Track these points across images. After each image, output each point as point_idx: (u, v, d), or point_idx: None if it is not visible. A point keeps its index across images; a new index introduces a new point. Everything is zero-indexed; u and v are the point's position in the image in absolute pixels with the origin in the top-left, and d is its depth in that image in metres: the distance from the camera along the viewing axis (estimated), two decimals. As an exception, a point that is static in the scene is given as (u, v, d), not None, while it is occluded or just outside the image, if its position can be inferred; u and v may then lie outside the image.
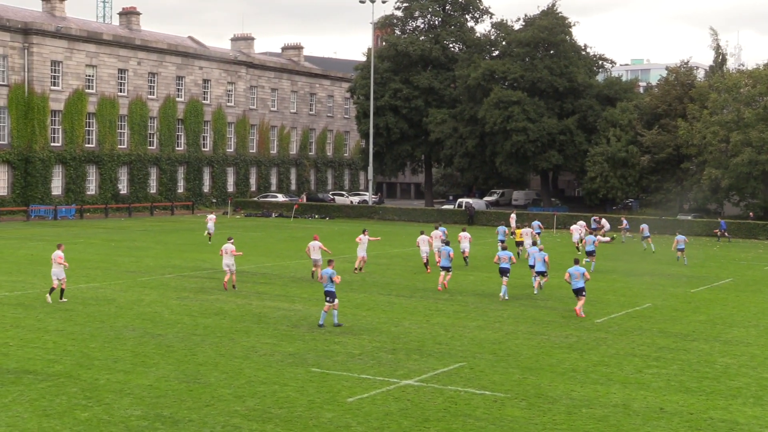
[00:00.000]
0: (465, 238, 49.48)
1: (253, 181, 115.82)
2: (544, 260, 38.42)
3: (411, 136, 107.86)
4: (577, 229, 59.95)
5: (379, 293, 38.55)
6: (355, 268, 45.92)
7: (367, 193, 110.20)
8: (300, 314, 32.25)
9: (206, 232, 62.51)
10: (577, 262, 33.79)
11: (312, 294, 37.56)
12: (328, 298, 28.94)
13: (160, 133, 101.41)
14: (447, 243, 42.32)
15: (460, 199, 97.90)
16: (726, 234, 72.49)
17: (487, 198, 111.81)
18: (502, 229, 55.56)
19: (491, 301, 36.97)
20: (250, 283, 40.01)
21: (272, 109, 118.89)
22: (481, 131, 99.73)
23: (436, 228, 50.65)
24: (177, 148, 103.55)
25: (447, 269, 39.25)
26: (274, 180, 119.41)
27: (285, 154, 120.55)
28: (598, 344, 28.26)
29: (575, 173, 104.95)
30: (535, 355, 26.38)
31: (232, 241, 39.52)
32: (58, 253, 34.60)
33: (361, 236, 46.59)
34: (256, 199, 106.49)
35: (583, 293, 32.93)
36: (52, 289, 34.83)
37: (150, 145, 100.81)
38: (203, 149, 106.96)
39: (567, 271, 33.14)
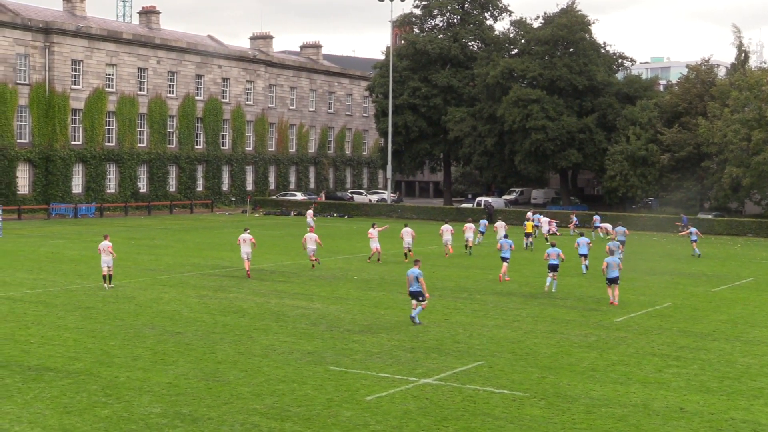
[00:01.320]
0: (470, 229, 52.84)
1: (272, 179, 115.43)
2: (559, 255, 39.01)
3: (429, 135, 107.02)
4: (546, 221, 64.10)
5: (398, 291, 38.10)
6: (369, 258, 48.63)
7: (385, 192, 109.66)
8: (318, 312, 32.04)
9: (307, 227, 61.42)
10: (612, 252, 35.30)
11: (331, 292, 37.22)
12: (419, 298, 29.16)
13: (179, 131, 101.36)
14: (506, 236, 43.96)
15: (478, 198, 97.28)
16: (687, 228, 67.33)
17: (506, 197, 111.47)
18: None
19: (510, 300, 36.56)
20: (269, 282, 39.84)
21: (291, 107, 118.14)
22: (500, 129, 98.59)
23: (446, 222, 54.30)
24: (196, 147, 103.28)
25: (505, 260, 41.38)
26: (293, 178, 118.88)
27: (304, 152, 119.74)
28: (618, 343, 27.88)
29: (594, 172, 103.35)
30: (554, 354, 26.06)
31: (248, 231, 41.49)
32: (106, 243, 36.66)
33: (371, 230, 49.15)
34: (275, 197, 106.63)
35: (618, 282, 34.29)
36: (104, 276, 36.81)
37: (169, 144, 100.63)
38: (222, 147, 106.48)
39: (605, 261, 34.45)
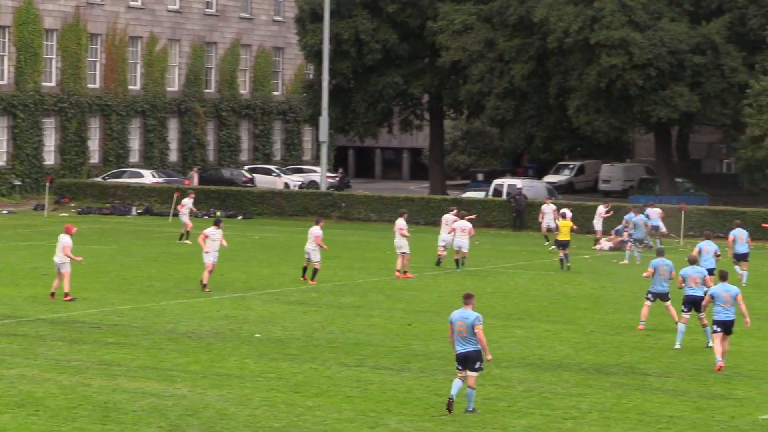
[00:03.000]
0: (462, 231, 47.08)
1: (94, 144, 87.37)
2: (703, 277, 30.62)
3: (404, 58, 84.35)
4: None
5: (340, 362, 27.77)
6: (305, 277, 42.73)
7: (318, 170, 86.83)
8: (183, 405, 22.83)
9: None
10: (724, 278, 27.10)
11: (209, 364, 26.81)
12: (475, 365, 22.56)
13: None
14: (662, 252, 33.29)
15: (498, 181, 79.32)
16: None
17: (550, 178, 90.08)
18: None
19: (554, 377, 26.41)
20: (89, 345, 29.33)
21: (133, 3, 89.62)
22: (540, 48, 78.30)
23: (450, 212, 50.33)
24: None
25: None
26: (135, 144, 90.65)
27: (157, 92, 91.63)
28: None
29: (723, 129, 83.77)
30: None
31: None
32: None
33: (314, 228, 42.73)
34: (100, 179, 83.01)
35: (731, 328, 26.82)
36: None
37: None
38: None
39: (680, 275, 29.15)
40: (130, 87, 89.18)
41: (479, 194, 77.00)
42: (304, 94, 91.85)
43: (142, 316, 34.15)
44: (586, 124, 75.61)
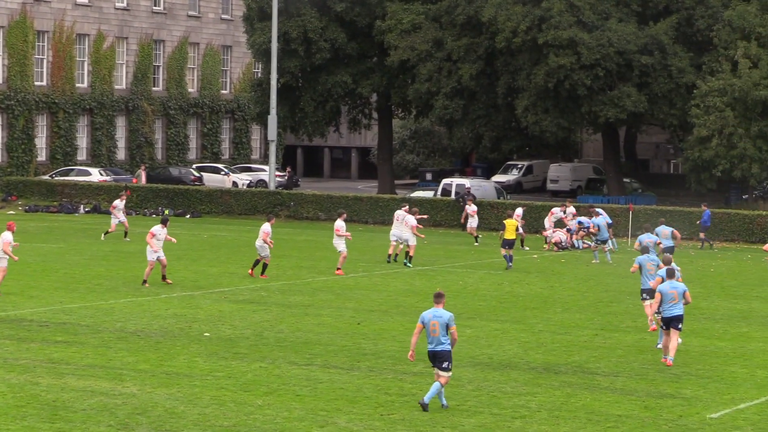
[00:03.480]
0: (407, 224, 47.90)
1: (41, 142, 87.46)
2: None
3: (352, 57, 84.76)
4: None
5: (290, 360, 27.74)
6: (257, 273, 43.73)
7: (266, 169, 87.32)
8: (132, 404, 22.78)
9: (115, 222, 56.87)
10: (673, 273, 27.93)
11: (158, 363, 26.91)
12: (443, 364, 22.95)
13: None
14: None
15: (446, 180, 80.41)
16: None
17: (499, 177, 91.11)
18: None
19: (501, 376, 27.45)
20: (37, 343, 29.32)
21: (80, 0, 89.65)
22: (488, 48, 78.81)
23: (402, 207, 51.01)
24: None
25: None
26: (83, 142, 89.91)
27: (105, 89, 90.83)
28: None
29: (670, 130, 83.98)
30: None
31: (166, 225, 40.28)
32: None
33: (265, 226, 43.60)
34: (47, 177, 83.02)
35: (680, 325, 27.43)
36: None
37: None
38: None
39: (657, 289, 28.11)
40: (78, 85, 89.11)
41: (428, 194, 77.33)
42: (253, 93, 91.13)
43: (90, 314, 33.84)
44: (534, 124, 75.76)
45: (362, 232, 64.18)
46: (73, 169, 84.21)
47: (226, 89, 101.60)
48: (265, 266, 41.15)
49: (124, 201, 60.48)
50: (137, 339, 30.06)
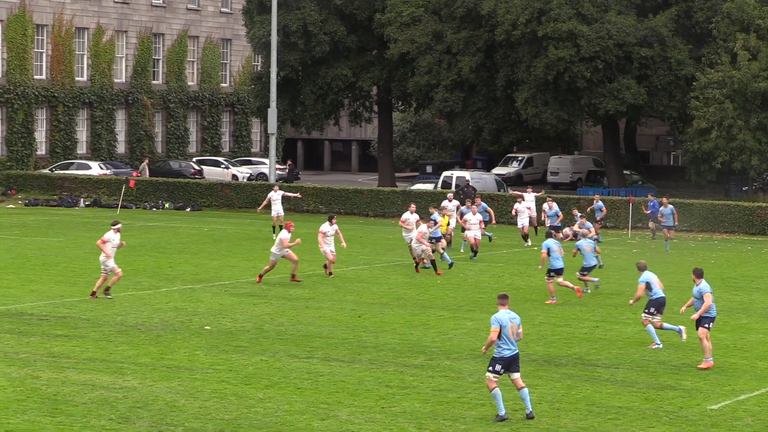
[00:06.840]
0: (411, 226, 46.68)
1: (41, 135, 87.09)
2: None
3: (352, 50, 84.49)
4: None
5: (291, 353, 28.03)
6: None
7: (266, 162, 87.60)
8: (134, 397, 22.99)
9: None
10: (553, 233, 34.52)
11: (159, 356, 26.68)
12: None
13: None
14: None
15: (447, 173, 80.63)
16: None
17: (499, 170, 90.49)
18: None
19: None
20: (38, 337, 29.19)
21: None
22: (488, 41, 78.72)
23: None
24: None
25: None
26: (83, 135, 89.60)
27: (105, 83, 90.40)
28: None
29: (670, 122, 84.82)
30: None
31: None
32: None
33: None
34: (47, 171, 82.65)
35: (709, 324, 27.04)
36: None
37: None
38: None
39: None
40: (77, 78, 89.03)
41: (428, 186, 77.40)
42: (253, 86, 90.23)
43: (91, 308, 33.73)
44: (534, 117, 75.65)
45: (362, 224, 63.99)
46: (73, 163, 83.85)
47: (225, 82, 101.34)
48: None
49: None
50: (138, 332, 29.86)
